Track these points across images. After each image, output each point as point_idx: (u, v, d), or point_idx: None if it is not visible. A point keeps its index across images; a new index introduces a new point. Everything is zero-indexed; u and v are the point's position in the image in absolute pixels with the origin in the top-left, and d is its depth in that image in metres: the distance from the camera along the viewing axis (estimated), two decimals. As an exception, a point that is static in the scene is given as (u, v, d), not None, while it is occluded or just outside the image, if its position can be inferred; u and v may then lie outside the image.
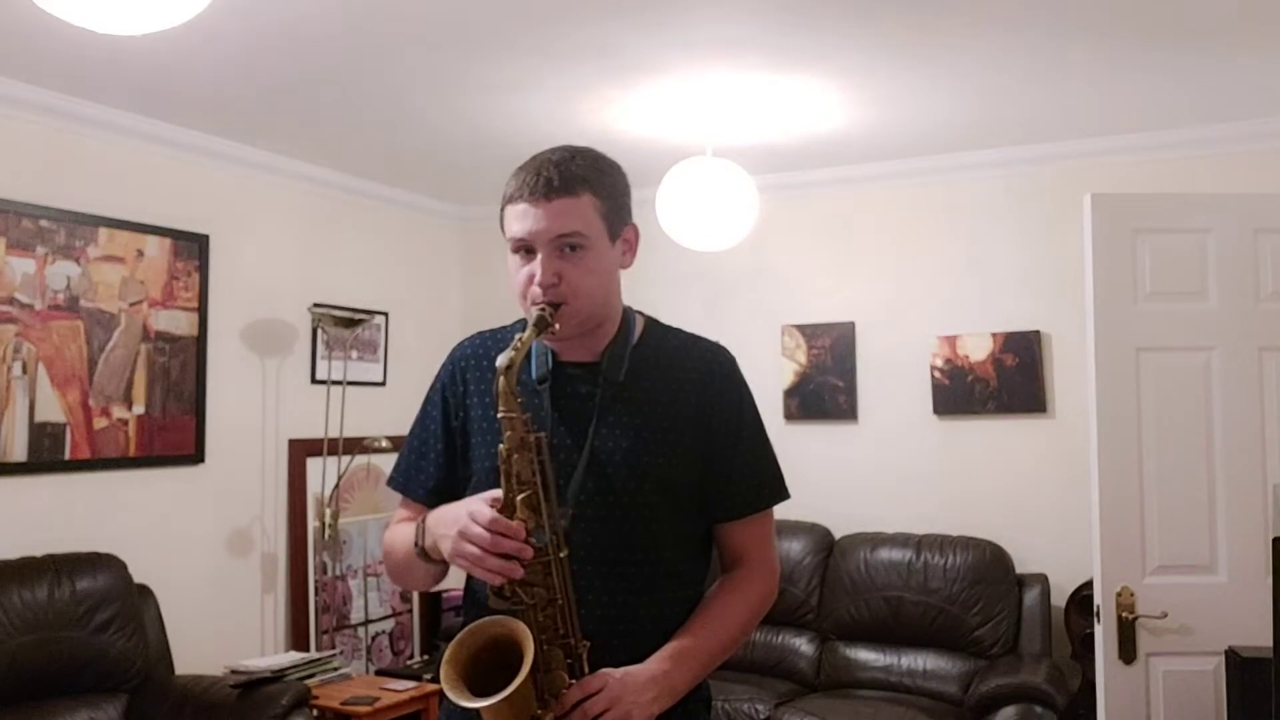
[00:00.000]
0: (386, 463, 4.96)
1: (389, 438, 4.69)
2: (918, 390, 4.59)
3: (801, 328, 4.83)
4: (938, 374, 4.54)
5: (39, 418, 3.63)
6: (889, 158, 4.55)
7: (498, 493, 1.43)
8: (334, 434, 4.56)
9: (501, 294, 6.27)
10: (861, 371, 4.72)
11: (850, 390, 4.72)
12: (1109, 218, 2.91)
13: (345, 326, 4.55)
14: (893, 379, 4.65)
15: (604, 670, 1.43)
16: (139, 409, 3.96)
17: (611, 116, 3.89)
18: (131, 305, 3.95)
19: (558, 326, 1.49)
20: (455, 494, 1.62)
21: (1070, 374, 4.26)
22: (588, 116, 3.89)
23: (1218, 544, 2.86)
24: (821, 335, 4.79)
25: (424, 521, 1.52)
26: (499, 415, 1.44)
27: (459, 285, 5.67)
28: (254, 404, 4.46)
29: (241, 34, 3.11)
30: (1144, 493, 2.86)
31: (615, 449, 1.54)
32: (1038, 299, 4.39)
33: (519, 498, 1.42)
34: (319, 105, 3.83)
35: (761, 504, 1.64)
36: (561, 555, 1.43)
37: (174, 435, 4.09)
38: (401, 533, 1.61)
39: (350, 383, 4.70)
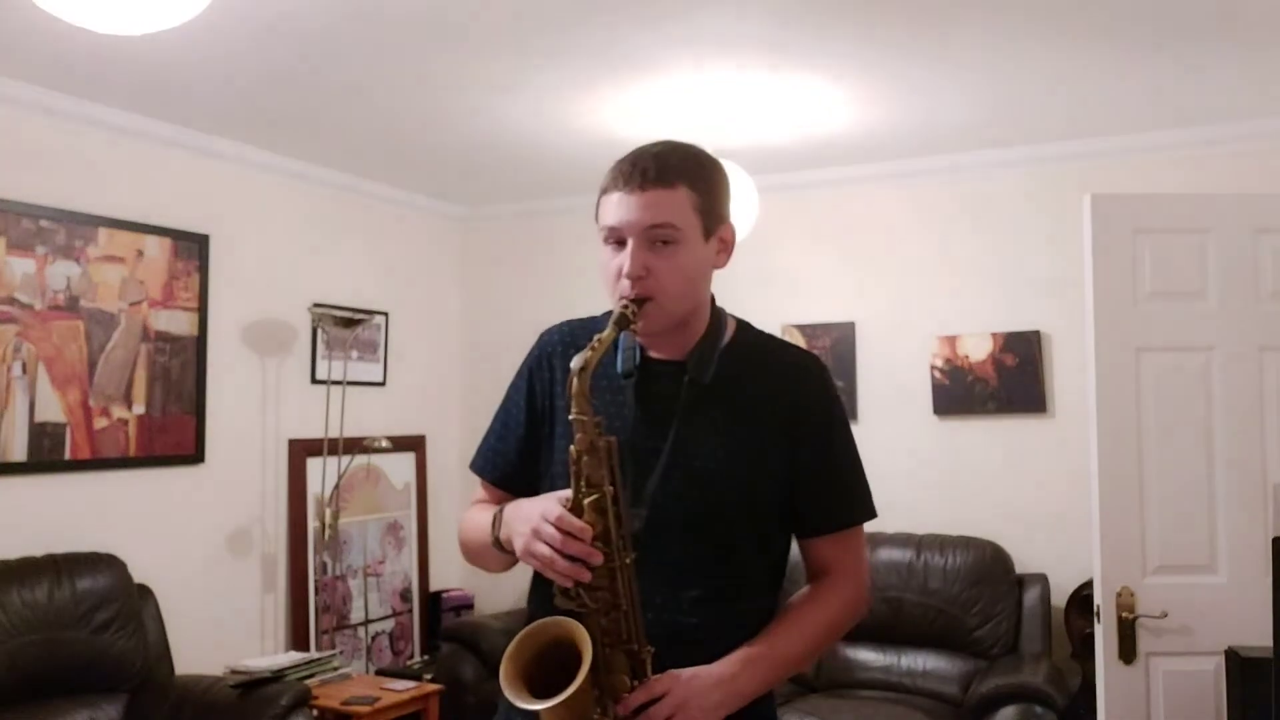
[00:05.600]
0: (386, 463, 4.97)
1: (389, 438, 4.69)
2: (918, 390, 4.59)
3: (801, 328, 4.83)
4: (938, 374, 4.54)
5: (39, 418, 3.63)
6: (889, 158, 4.55)
7: (567, 493, 1.41)
8: (334, 434, 4.56)
9: (501, 294, 6.24)
10: (861, 371, 4.72)
11: (850, 390, 4.72)
12: (1109, 218, 2.91)
13: (345, 326, 4.55)
14: (893, 379, 4.65)
15: (671, 671, 1.40)
16: (139, 409, 3.96)
17: (611, 116, 3.89)
18: (131, 305, 3.95)
19: (640, 325, 1.45)
20: (530, 481, 1.59)
21: (1070, 374, 4.25)
22: (588, 116, 3.89)
23: (1218, 544, 2.86)
24: (821, 335, 4.79)
25: (501, 513, 1.51)
26: (571, 417, 1.40)
27: (459, 285, 5.67)
28: (254, 404, 4.46)
29: (241, 34, 3.11)
30: (1144, 493, 2.86)
31: (696, 453, 1.49)
32: (1038, 299, 4.38)
33: (586, 500, 1.39)
34: (319, 105, 3.84)
35: (852, 520, 1.60)
36: (628, 561, 1.40)
37: (174, 435, 4.09)
38: (478, 519, 1.59)
39: (350, 383, 4.69)
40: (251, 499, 4.44)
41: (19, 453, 3.57)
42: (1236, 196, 3.01)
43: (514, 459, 1.62)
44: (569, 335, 1.63)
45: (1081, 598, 3.97)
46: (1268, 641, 2.08)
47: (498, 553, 1.52)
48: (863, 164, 4.63)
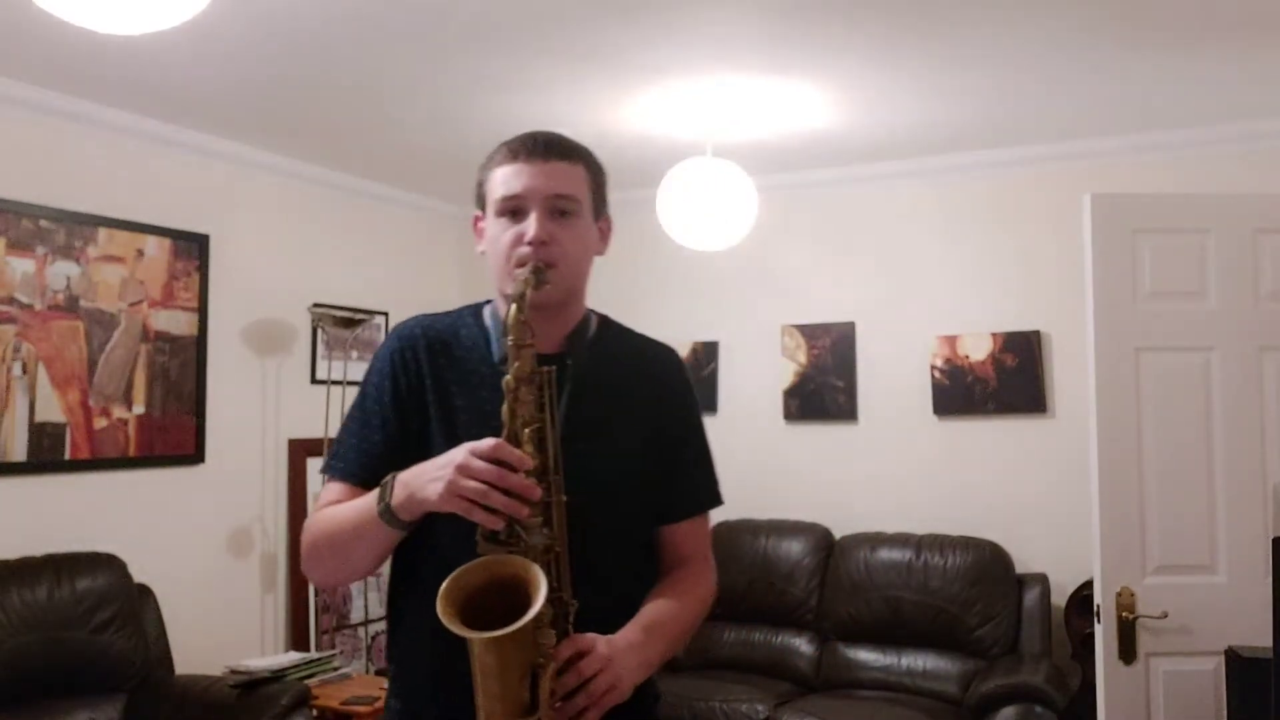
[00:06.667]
0: (386, 463, 4.96)
1: (389, 438, 4.68)
2: (918, 390, 4.59)
3: (801, 328, 4.83)
4: (938, 374, 4.54)
5: (39, 418, 3.63)
6: (888, 158, 4.55)
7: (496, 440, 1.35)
8: (334, 434, 4.55)
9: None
10: (861, 371, 4.72)
11: (850, 390, 4.72)
12: (1109, 218, 2.91)
13: (345, 326, 4.55)
14: (893, 379, 4.65)
15: (591, 634, 1.36)
16: (139, 409, 3.96)
17: (612, 116, 3.89)
18: (131, 305, 3.95)
19: (549, 286, 1.45)
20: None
21: (1070, 374, 4.26)
22: (588, 116, 3.89)
23: (1218, 544, 2.86)
24: (821, 335, 4.79)
25: (392, 480, 1.39)
26: (509, 341, 1.37)
27: (458, 285, 5.67)
28: (254, 404, 4.46)
29: (241, 33, 3.11)
30: (1144, 493, 2.86)
31: (580, 439, 1.47)
32: (1038, 299, 4.38)
33: (525, 430, 1.35)
34: (319, 105, 3.84)
35: (707, 505, 1.65)
36: (563, 499, 1.37)
37: (174, 435, 4.09)
38: (341, 509, 1.47)
39: (350, 383, 4.68)
40: (251, 499, 4.44)
41: (19, 453, 3.57)
42: (1236, 196, 3.02)
43: (381, 454, 1.50)
44: (430, 329, 1.60)
45: (1081, 598, 3.97)
46: (1268, 641, 2.08)
47: (382, 527, 1.39)
48: (862, 164, 4.63)
